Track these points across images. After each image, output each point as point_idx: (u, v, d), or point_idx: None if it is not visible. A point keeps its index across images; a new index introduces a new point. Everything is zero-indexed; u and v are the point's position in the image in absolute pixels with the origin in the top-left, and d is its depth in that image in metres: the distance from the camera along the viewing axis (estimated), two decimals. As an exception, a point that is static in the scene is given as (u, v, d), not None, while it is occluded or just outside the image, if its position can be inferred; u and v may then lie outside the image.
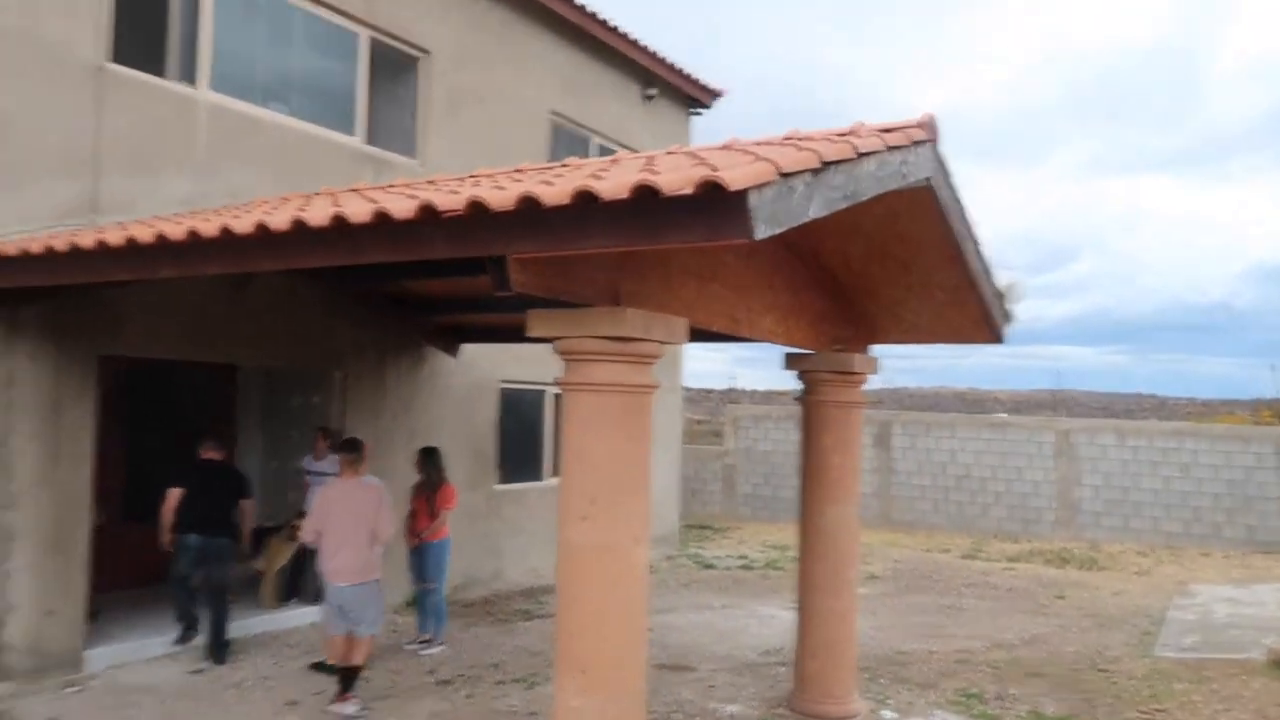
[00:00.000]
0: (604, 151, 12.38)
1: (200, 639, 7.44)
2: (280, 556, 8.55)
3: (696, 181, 2.87)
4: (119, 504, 8.14)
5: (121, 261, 4.89)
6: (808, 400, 6.66)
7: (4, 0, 6.38)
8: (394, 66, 9.60)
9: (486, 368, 10.39)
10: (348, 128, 9.03)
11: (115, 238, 4.78)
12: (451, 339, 9.61)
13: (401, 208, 3.67)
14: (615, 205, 3.07)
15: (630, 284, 4.11)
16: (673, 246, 3.32)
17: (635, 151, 12.38)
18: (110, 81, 6.99)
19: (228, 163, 7.78)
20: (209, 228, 4.32)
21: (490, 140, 10.43)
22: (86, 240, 4.95)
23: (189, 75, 7.70)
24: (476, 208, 3.41)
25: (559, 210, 3.22)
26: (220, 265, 4.62)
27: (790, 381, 6.82)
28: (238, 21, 8.07)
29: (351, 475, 6.50)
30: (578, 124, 11.98)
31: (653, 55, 12.71)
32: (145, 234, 4.61)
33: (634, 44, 12.34)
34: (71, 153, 6.76)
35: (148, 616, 7.73)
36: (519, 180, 4.47)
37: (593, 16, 11.54)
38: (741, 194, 2.83)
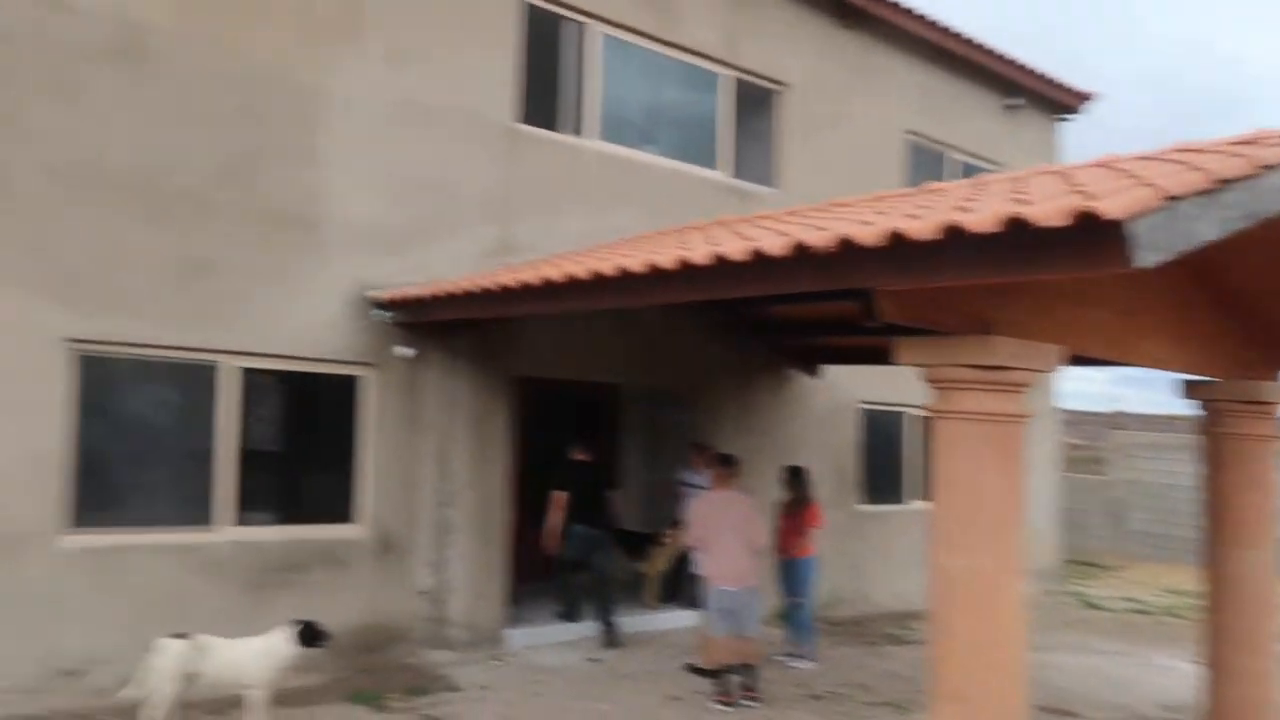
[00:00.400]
0: (964, 168, 12.02)
1: (594, 630, 8.37)
2: (660, 561, 9.31)
3: (1070, 212, 2.85)
4: (525, 506, 9.33)
5: (536, 297, 5.72)
6: (1210, 432, 6.05)
7: (444, 82, 7.71)
8: (752, 101, 10.11)
9: (847, 388, 10.51)
10: (712, 163, 9.67)
11: (531, 277, 5.61)
12: (812, 361, 9.87)
13: (775, 245, 3.98)
14: (983, 238, 3.13)
15: (1000, 311, 4.08)
16: (1038, 277, 3.29)
17: (997, 165, 11.93)
18: (518, 139, 8.15)
19: (611, 202, 8.70)
20: (607, 267, 4.95)
21: (846, 164, 10.59)
22: (509, 280, 5.85)
23: (579, 128, 8.73)
24: (845, 245, 3.62)
25: (926, 245, 3.34)
26: (615, 300, 5.25)
27: (1186, 405, 6.23)
28: (618, 75, 9.00)
29: (726, 488, 7.01)
30: (935, 141, 11.76)
31: (1013, 64, 12.13)
32: (556, 273, 5.37)
33: (992, 54, 11.86)
34: (490, 202, 7.98)
35: (551, 606, 8.77)
36: (883, 213, 4.61)
37: (948, 31, 11.29)
38: (1120, 224, 2.77)
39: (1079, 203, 2.86)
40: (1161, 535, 16.38)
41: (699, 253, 4.42)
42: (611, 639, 8.26)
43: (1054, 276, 3.15)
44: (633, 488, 10.72)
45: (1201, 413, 6.09)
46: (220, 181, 6.68)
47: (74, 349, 6.16)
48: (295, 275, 6.99)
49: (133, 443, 6.53)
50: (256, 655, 5.58)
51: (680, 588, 9.35)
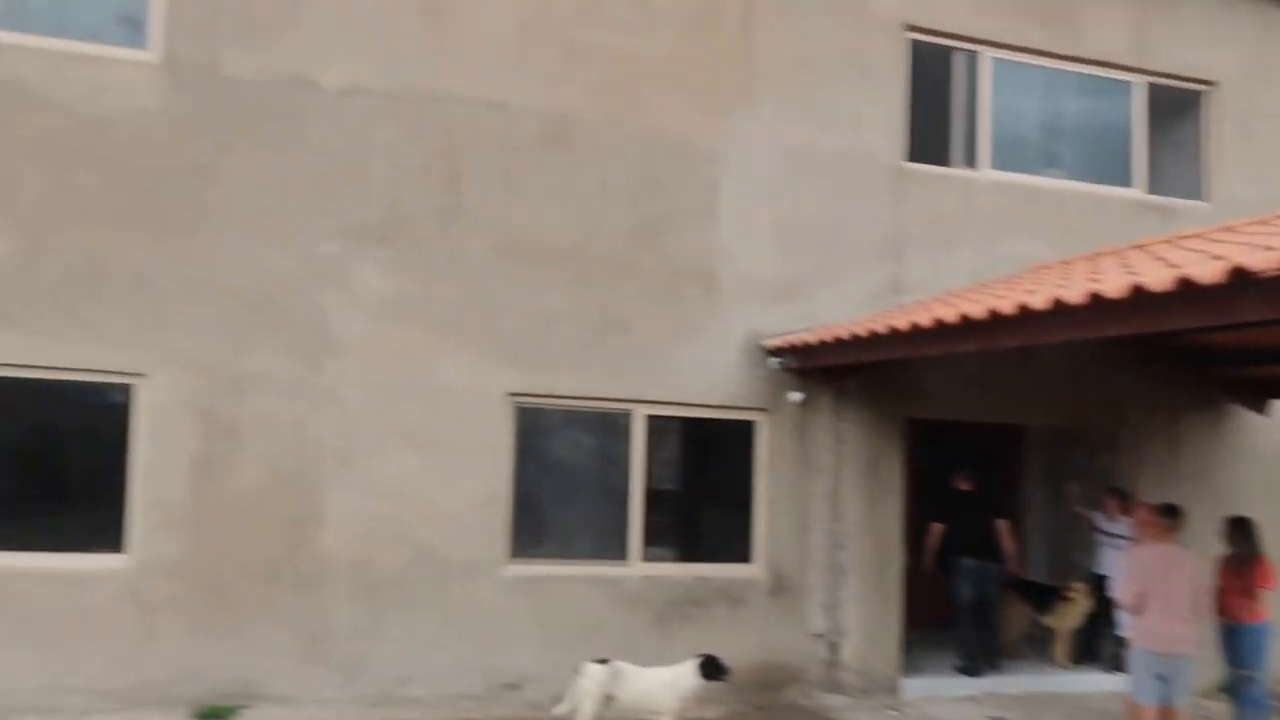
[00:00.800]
0: None
1: (993, 684, 7.87)
2: (1071, 616, 8.52)
3: None
4: (917, 549, 9.04)
5: (928, 339, 5.60)
6: None
7: (832, 129, 7.87)
8: (1170, 106, 9.07)
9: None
10: (1124, 180, 8.81)
11: (922, 318, 5.50)
12: (1258, 394, 8.52)
13: (1206, 272, 3.56)
14: None
15: None
16: None
17: None
18: (906, 178, 8.05)
19: (1006, 232, 8.26)
20: (1006, 305, 4.72)
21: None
22: (898, 322, 5.78)
23: (970, 160, 8.42)
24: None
25: None
26: (1016, 338, 4.97)
27: None
28: (1010, 99, 8.56)
29: (1167, 541, 6.26)
30: None
31: None
32: (949, 314, 5.22)
33: None
34: (878, 244, 7.95)
35: (949, 657, 8.34)
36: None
37: None
38: None
39: None
40: None
41: (1113, 284, 4.08)
42: (991, 656, 8.18)
43: None
44: (1036, 536, 9.95)
45: None
46: (632, 246, 7.37)
47: (514, 402, 7.09)
48: (696, 327, 7.47)
49: (559, 484, 7.38)
50: (665, 684, 5.97)
51: (1096, 647, 8.49)
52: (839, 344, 6.54)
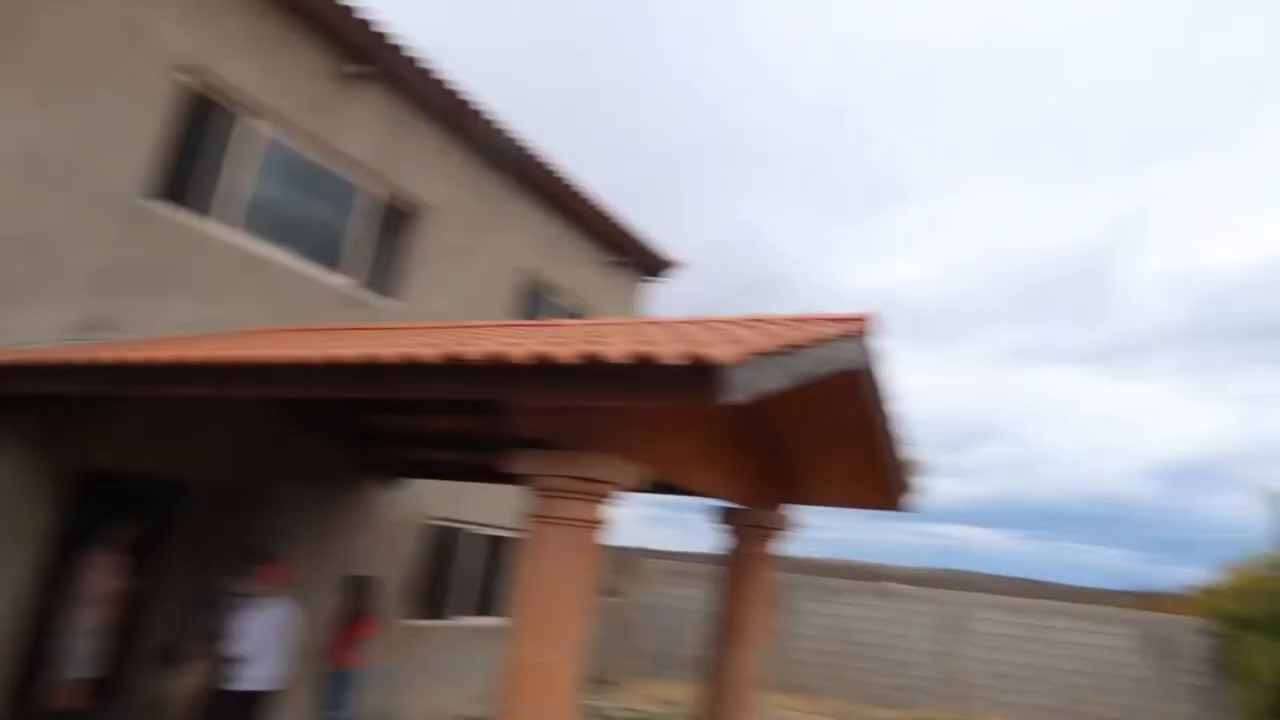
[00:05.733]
0: (565, 310, 13.23)
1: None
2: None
3: (690, 355, 3.59)
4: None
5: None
6: (732, 551, 7.09)
7: (85, 140, 7.22)
8: (397, 216, 10.46)
9: (415, 503, 10.64)
10: (340, 269, 9.74)
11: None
12: (389, 472, 9.95)
13: (429, 354, 4.27)
14: (618, 368, 3.74)
15: (608, 432, 4.71)
16: (657, 405, 4.00)
17: (595, 311, 13.27)
18: (143, 214, 7.72)
19: (232, 293, 8.47)
20: (174, 355, 4.88)
21: (465, 290, 11.25)
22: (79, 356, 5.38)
23: (220, 215, 8.44)
24: (497, 360, 4.05)
25: (568, 368, 3.89)
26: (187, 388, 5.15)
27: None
28: (273, 170, 8.98)
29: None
30: (545, 282, 12.86)
31: (618, 225, 13.65)
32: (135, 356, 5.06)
33: (602, 214, 13.29)
34: (93, 274, 7.35)
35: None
36: (518, 339, 5.11)
37: (567, 186, 12.49)
38: (725, 367, 3.56)
39: (695, 349, 3.61)
40: (662, 654, 17.80)
41: (349, 353, 4.59)
42: None
43: (665, 404, 3.85)
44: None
45: (730, 535, 7.12)
46: None
47: None
48: None
49: None
50: None
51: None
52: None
